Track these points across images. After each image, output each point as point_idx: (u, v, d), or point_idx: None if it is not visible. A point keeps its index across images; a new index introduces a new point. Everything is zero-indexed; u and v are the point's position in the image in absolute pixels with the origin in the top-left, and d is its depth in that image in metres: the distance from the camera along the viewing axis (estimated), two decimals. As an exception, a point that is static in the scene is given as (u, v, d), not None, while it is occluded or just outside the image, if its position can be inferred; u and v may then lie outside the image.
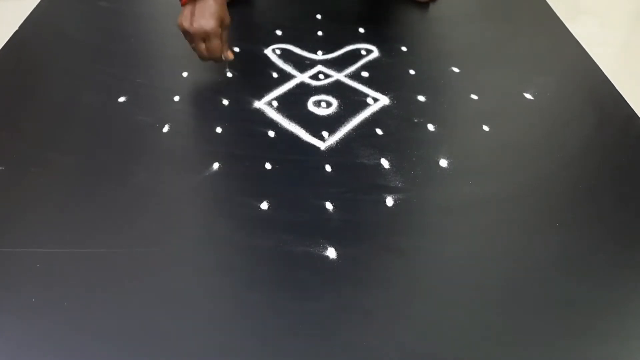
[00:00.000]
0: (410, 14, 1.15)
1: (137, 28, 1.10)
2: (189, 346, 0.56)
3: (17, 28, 1.04)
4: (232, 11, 1.07)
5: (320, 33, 1.06)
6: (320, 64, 0.97)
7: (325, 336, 0.57)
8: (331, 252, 0.65)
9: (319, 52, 1.00)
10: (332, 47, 1.01)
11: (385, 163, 0.78)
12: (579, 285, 0.63)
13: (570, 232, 0.69)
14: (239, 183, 0.75)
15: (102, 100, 0.88)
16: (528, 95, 0.91)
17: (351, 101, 0.89)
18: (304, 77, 0.94)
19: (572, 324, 0.59)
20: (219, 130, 0.82)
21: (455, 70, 0.97)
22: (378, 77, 0.94)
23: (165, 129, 0.83)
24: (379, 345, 0.57)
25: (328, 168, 0.77)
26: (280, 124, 0.84)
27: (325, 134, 0.83)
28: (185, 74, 0.94)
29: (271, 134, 0.83)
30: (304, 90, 0.91)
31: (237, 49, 1.00)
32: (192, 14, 0.82)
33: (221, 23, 0.83)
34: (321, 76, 0.94)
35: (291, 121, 0.85)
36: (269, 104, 0.88)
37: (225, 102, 0.87)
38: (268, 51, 1.00)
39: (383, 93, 0.91)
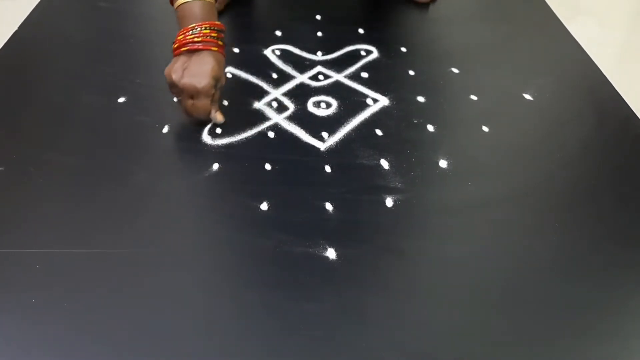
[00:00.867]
0: (410, 15, 1.15)
1: (137, 28, 1.10)
2: (188, 346, 0.56)
3: (17, 28, 1.04)
4: (232, 11, 1.07)
5: (319, 34, 1.06)
6: (320, 64, 0.97)
7: (325, 337, 0.57)
8: (331, 253, 0.65)
9: (319, 53, 1.00)
10: (331, 47, 1.01)
11: (384, 164, 0.78)
12: (579, 285, 0.63)
13: (570, 232, 0.69)
14: (238, 183, 0.75)
15: (102, 100, 0.88)
16: (527, 96, 0.91)
17: (351, 102, 0.89)
18: (303, 78, 0.94)
19: (572, 324, 0.59)
20: (218, 130, 0.82)
21: (455, 71, 0.97)
22: (378, 77, 0.94)
23: (165, 129, 0.83)
24: (378, 345, 0.57)
25: (328, 169, 0.77)
26: (280, 125, 0.84)
27: (325, 134, 0.83)
28: (185, 75, 0.94)
29: (271, 134, 0.83)
30: (303, 91, 0.91)
31: (237, 50, 1.00)
32: (185, 68, 0.76)
33: (216, 83, 0.78)
34: (321, 77, 0.94)
35: (291, 122, 0.85)
36: (269, 104, 0.88)
37: (225, 102, 0.87)
38: (268, 52, 1.00)
39: (383, 94, 0.91)
